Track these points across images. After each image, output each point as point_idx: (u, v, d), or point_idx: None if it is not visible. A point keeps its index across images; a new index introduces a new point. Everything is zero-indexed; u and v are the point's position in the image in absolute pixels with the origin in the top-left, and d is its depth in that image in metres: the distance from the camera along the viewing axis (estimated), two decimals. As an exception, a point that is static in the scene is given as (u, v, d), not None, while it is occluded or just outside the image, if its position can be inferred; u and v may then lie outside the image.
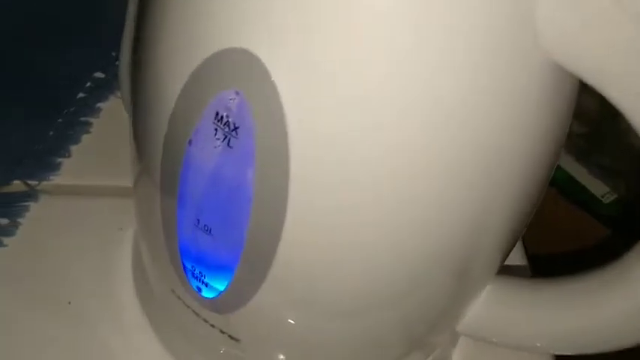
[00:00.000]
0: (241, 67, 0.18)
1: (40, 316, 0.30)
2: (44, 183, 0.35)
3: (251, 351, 0.26)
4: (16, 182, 0.35)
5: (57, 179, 0.35)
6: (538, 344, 0.26)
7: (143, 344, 0.30)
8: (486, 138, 0.18)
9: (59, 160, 0.36)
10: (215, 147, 0.19)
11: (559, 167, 0.54)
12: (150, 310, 0.30)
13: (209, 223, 0.21)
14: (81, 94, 0.39)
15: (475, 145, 0.18)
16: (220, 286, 0.22)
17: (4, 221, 0.33)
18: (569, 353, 0.26)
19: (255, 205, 0.19)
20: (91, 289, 0.31)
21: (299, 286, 0.21)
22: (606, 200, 0.56)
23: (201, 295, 0.23)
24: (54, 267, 0.32)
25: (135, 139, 0.24)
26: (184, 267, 0.23)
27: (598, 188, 0.55)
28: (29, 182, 0.35)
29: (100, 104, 0.39)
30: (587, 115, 0.48)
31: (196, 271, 0.23)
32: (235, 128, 0.19)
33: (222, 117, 0.19)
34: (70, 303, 0.31)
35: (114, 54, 0.40)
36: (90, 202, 0.34)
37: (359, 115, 0.18)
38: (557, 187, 0.53)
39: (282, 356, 0.25)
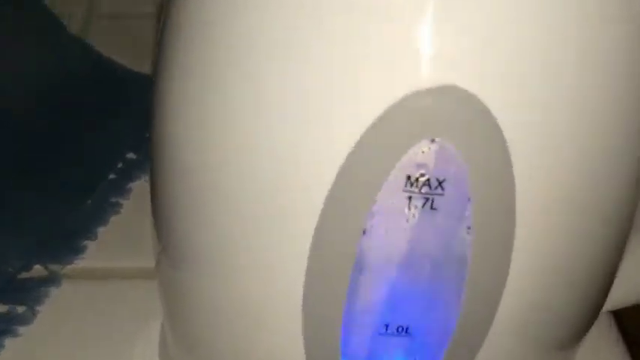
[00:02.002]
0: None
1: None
2: (68, 267, 0.32)
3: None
4: (37, 267, 0.32)
5: (82, 262, 0.33)
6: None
7: None
8: None
9: (85, 242, 0.33)
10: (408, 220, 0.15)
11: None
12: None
13: (405, 324, 0.17)
14: (112, 176, 0.37)
15: None
16: None
17: (22, 309, 0.30)
18: None
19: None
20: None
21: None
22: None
23: None
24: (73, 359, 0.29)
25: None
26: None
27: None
28: (50, 267, 0.32)
29: (130, 184, 0.37)
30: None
31: None
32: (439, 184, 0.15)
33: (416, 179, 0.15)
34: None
35: (147, 135, 0.38)
36: (115, 286, 0.32)
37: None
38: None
39: None
